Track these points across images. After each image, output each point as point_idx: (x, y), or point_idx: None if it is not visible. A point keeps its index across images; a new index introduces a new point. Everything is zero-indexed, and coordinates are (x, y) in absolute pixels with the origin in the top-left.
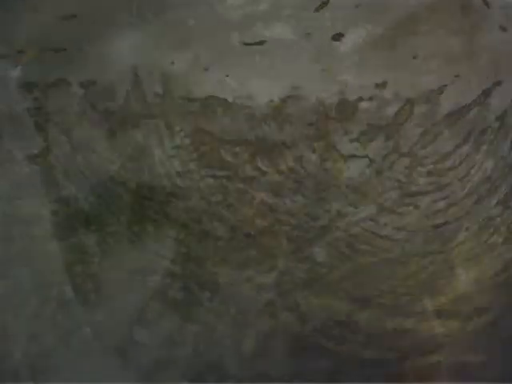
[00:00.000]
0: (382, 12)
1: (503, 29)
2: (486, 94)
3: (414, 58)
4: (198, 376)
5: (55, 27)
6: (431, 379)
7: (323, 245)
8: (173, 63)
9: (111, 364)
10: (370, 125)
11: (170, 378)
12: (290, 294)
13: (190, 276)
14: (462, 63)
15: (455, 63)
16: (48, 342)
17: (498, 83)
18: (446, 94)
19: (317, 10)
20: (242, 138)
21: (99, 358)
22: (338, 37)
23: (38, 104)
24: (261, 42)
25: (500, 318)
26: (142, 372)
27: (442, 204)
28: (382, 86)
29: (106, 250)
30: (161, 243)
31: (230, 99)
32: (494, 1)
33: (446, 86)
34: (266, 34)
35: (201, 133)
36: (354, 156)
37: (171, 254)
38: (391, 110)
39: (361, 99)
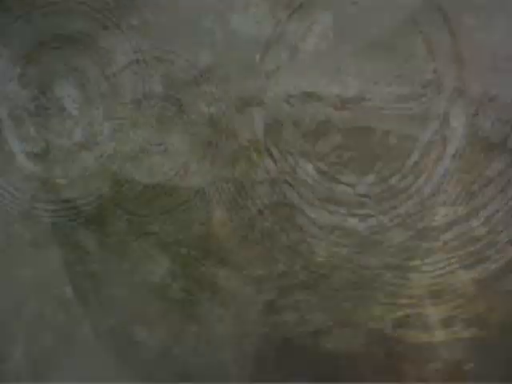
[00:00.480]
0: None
1: None
2: None
3: None
4: (199, 376)
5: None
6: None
7: None
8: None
9: (111, 364)
10: None
11: (169, 378)
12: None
13: (190, 276)
14: None
15: None
16: (48, 342)
17: None
18: None
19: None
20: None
21: (99, 358)
22: None
23: (38, 103)
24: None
25: None
26: (142, 372)
27: None
28: None
29: (107, 249)
30: (160, 243)
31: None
32: None
33: None
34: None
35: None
36: None
37: (171, 255)
38: None
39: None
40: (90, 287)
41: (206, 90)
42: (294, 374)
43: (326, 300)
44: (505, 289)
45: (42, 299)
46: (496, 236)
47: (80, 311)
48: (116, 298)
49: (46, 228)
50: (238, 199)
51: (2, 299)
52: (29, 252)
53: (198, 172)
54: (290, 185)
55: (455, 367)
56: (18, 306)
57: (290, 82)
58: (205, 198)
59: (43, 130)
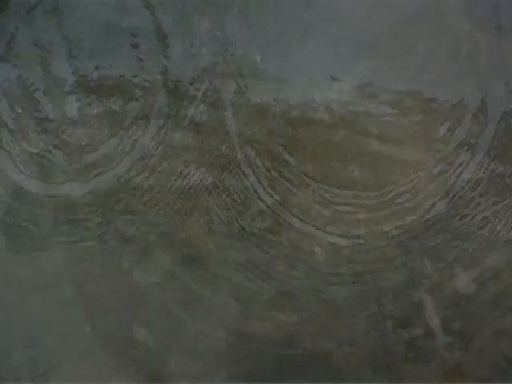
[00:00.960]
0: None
1: None
2: None
3: None
4: (200, 376)
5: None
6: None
7: None
8: None
9: (111, 364)
10: None
11: (170, 378)
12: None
13: (190, 276)
14: None
15: None
16: (48, 342)
17: None
18: None
19: None
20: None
21: (99, 358)
22: None
23: (37, 102)
24: None
25: None
26: (142, 372)
27: None
28: None
29: (106, 248)
30: (161, 243)
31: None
32: None
33: None
34: None
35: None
36: None
37: (170, 254)
38: None
39: None
40: (90, 287)
41: (203, 90)
42: (294, 374)
43: (325, 300)
44: None
45: (42, 299)
46: None
47: (80, 311)
48: (116, 297)
49: (45, 229)
50: (237, 200)
51: (2, 299)
52: (28, 253)
53: (198, 173)
54: (287, 190)
55: None
56: (18, 305)
57: (284, 85)
58: (205, 198)
59: (43, 132)
